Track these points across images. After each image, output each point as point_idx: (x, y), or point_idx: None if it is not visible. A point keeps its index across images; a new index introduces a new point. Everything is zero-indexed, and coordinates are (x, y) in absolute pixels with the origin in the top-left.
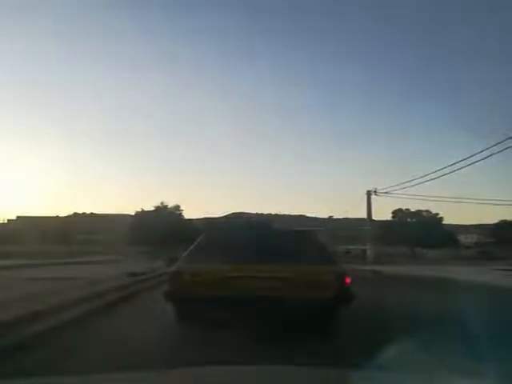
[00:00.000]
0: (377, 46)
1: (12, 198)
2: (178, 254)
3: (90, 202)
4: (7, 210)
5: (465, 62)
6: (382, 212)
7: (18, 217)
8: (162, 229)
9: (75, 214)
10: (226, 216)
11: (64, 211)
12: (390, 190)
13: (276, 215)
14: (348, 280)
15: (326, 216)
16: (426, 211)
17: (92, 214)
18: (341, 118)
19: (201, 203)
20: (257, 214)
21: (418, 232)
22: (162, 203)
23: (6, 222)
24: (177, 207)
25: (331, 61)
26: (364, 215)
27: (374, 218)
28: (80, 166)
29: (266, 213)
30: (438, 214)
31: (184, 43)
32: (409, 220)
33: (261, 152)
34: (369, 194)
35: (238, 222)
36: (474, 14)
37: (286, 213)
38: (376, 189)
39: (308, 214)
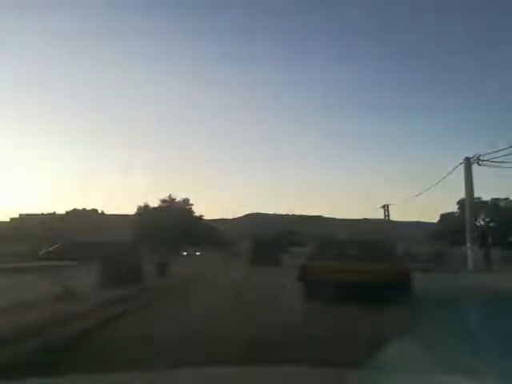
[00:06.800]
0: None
1: (16, 196)
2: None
3: (93, 199)
4: (10, 208)
5: None
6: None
7: (20, 215)
8: (167, 226)
9: (75, 209)
10: (242, 216)
11: (69, 209)
12: (490, 157)
13: (294, 216)
14: (406, 271)
15: (343, 217)
16: (506, 200)
17: (93, 209)
18: (357, 123)
19: (215, 203)
20: (274, 214)
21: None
22: (169, 196)
23: (8, 220)
24: (186, 201)
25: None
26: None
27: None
28: (84, 162)
29: (283, 213)
30: None
31: (184, 41)
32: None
33: (278, 152)
34: (468, 162)
35: (337, 238)
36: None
37: (304, 213)
38: (479, 155)
39: (325, 215)
